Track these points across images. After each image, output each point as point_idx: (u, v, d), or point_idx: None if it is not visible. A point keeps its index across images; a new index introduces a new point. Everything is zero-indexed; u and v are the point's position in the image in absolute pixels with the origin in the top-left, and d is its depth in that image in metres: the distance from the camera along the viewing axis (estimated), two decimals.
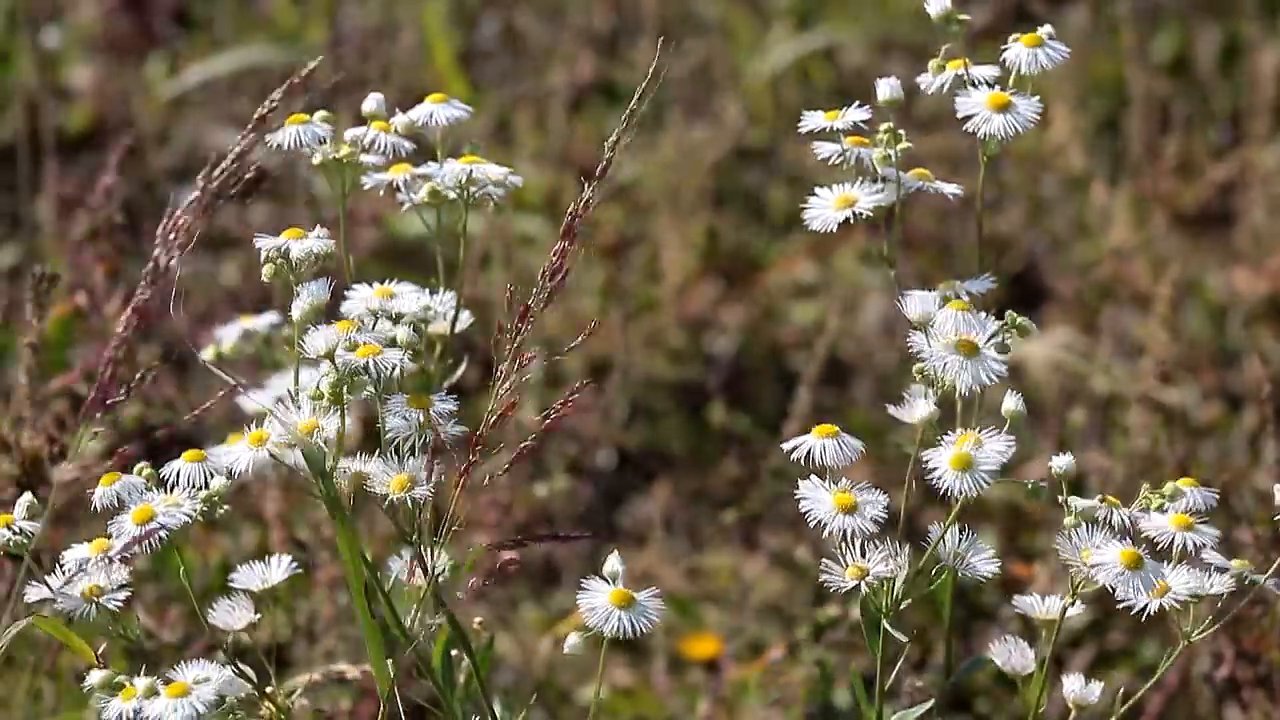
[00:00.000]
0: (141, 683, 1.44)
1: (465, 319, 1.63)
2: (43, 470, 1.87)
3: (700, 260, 3.00)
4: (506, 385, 1.48)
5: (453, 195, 1.61)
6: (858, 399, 2.78)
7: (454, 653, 1.57)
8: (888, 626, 1.47)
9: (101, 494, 1.47)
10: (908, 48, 3.34)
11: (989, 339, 1.44)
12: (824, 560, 1.45)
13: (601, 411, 2.71)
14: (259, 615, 1.53)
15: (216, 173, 1.59)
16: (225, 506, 1.48)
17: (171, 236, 1.57)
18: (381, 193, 1.62)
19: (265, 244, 1.51)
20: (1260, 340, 2.78)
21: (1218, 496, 1.48)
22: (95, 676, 1.46)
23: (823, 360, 2.50)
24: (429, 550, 1.49)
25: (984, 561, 1.47)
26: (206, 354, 1.94)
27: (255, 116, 1.60)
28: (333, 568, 2.18)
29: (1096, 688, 1.56)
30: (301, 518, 2.19)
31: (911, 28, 3.33)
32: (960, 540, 1.47)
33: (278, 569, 1.54)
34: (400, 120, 1.64)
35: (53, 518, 1.72)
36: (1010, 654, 1.58)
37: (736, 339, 2.94)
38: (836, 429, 1.45)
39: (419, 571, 1.50)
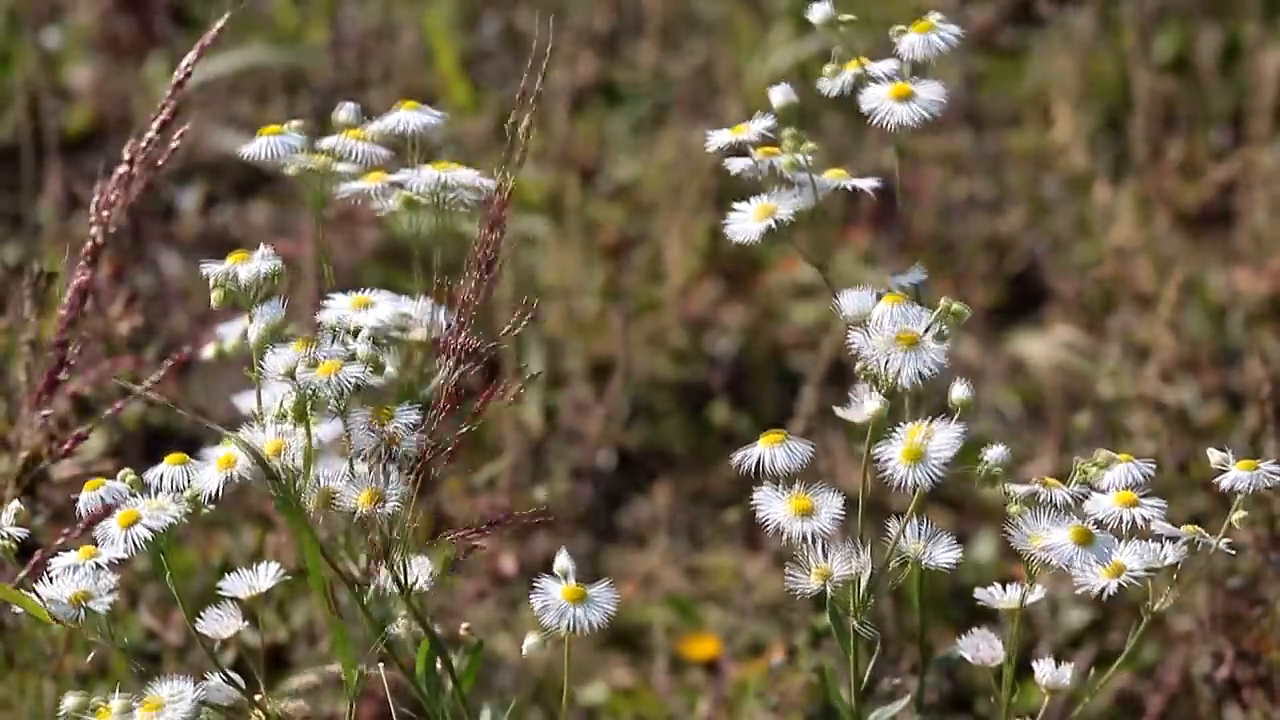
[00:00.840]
0: (117, 703, 1.44)
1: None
2: (44, 468, 1.86)
3: (702, 260, 3.00)
4: (446, 378, 1.48)
5: (424, 202, 1.61)
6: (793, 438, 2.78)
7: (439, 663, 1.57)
8: (855, 626, 1.47)
9: (86, 499, 1.48)
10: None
11: (926, 330, 1.44)
12: (787, 566, 1.45)
13: (602, 412, 2.71)
14: (246, 623, 1.53)
15: (143, 145, 1.59)
16: (209, 507, 1.48)
17: (105, 214, 1.58)
18: (357, 201, 1.62)
19: (212, 270, 1.52)
20: (1261, 340, 2.78)
21: (1155, 466, 1.48)
22: (70, 700, 1.46)
23: (828, 360, 2.50)
24: (403, 562, 1.50)
25: (943, 551, 1.47)
26: (208, 351, 1.94)
27: (184, 66, 1.59)
28: (329, 569, 2.18)
29: (1068, 670, 1.56)
30: None
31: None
32: (920, 532, 1.46)
33: (265, 576, 1.54)
34: (374, 128, 1.64)
35: (52, 515, 1.72)
36: (979, 647, 1.58)
37: (738, 339, 2.94)
38: (784, 435, 1.45)
39: (388, 580, 1.51)
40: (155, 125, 1.61)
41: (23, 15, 3.37)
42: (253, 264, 1.51)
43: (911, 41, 1.55)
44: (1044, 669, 1.56)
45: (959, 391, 1.46)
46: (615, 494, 2.72)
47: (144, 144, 1.62)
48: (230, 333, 1.92)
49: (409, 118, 1.63)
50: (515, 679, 2.32)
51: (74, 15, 3.47)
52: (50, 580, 1.46)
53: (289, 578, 1.55)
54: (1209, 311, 2.87)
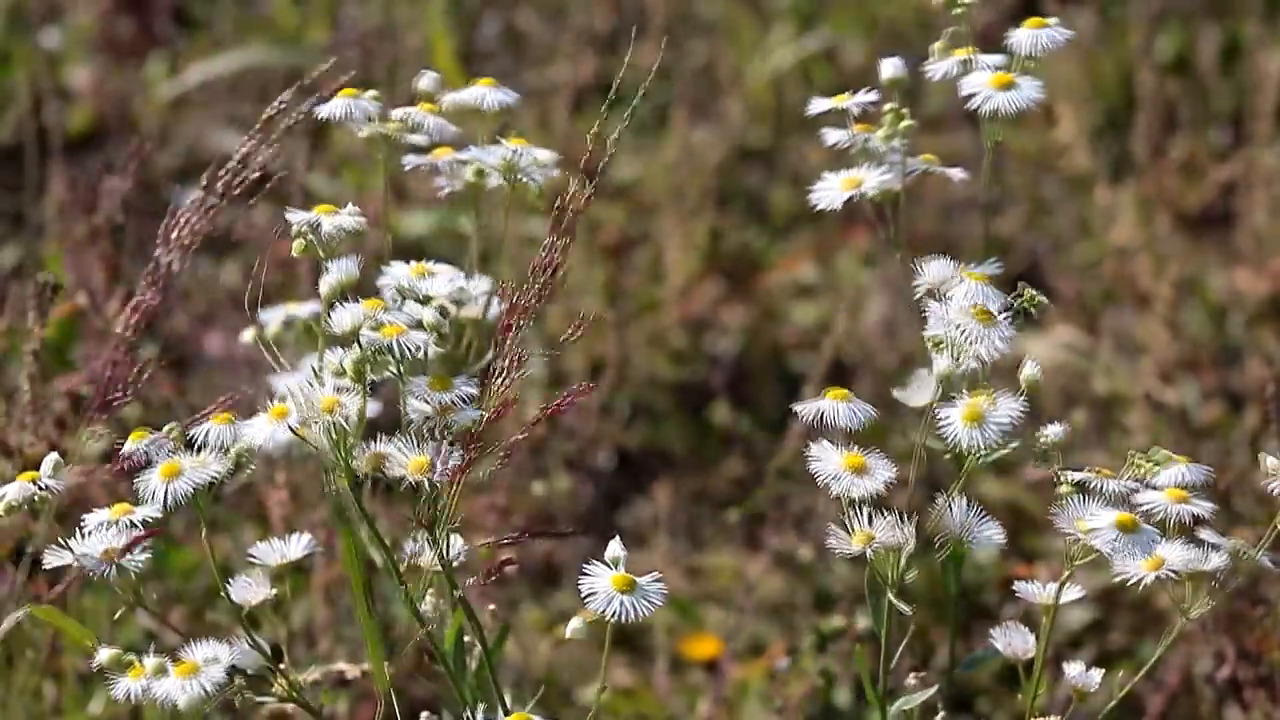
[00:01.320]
0: (151, 662, 1.44)
1: (498, 307, 1.62)
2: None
3: (703, 261, 3.00)
4: (503, 383, 1.47)
5: (495, 180, 1.61)
6: (858, 398, 2.77)
7: (466, 639, 1.57)
8: (893, 599, 1.47)
9: (130, 449, 1.46)
10: (909, 48, 3.33)
11: (1002, 311, 1.45)
12: (830, 527, 1.44)
13: (601, 411, 2.71)
14: (274, 591, 1.54)
15: (221, 174, 1.59)
16: (253, 466, 1.47)
17: (174, 237, 1.57)
18: (424, 171, 1.61)
19: (296, 218, 1.50)
20: (1262, 340, 2.78)
21: (1212, 473, 1.48)
22: (104, 654, 1.46)
23: (829, 360, 2.50)
24: (443, 535, 1.49)
25: (990, 531, 1.46)
26: (247, 335, 1.93)
27: (261, 119, 1.60)
28: (328, 571, 2.18)
29: (1098, 675, 1.56)
30: (301, 521, 2.19)
31: (913, 28, 3.33)
32: (966, 511, 1.46)
33: (296, 546, 1.55)
34: (448, 100, 1.63)
35: (54, 518, 1.72)
36: (1011, 638, 1.58)
37: (738, 339, 2.94)
38: (848, 392, 1.45)
39: (431, 556, 1.50)
40: (238, 156, 1.60)
41: (24, 15, 3.37)
42: (338, 218, 1.50)
43: (1020, 37, 1.56)
44: (1073, 670, 1.56)
45: (1029, 370, 1.46)
46: (615, 494, 2.72)
47: (223, 171, 1.61)
48: (272, 318, 1.91)
49: (486, 93, 1.63)
50: (516, 679, 2.32)
51: (74, 15, 3.47)
52: (83, 536, 1.46)
53: (319, 549, 1.55)
54: (1209, 312, 2.87)
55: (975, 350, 1.43)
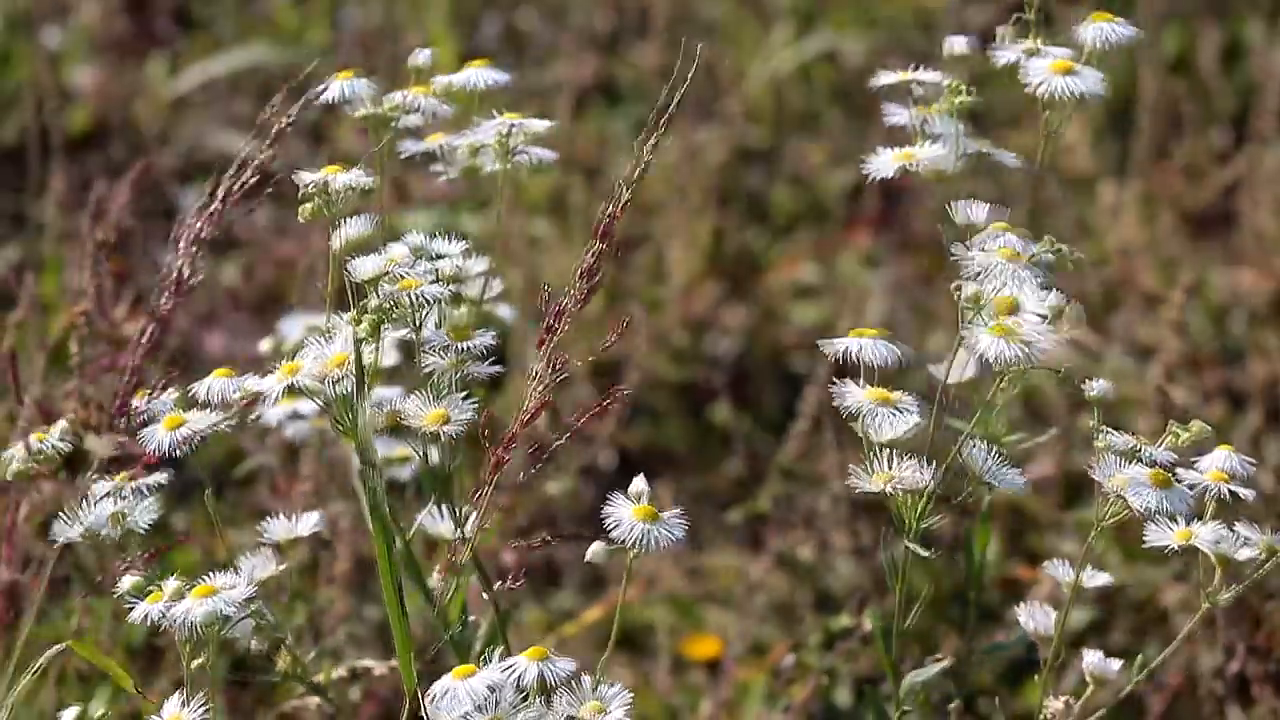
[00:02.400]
0: (170, 585, 1.44)
1: (496, 287, 1.62)
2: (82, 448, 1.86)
3: (705, 260, 3.00)
4: (540, 386, 1.48)
5: (491, 158, 1.61)
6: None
7: (471, 619, 1.57)
8: (911, 545, 1.46)
9: (140, 405, 1.48)
10: (909, 48, 3.34)
11: (1032, 255, 1.45)
12: (851, 468, 1.44)
13: (602, 410, 2.71)
14: (283, 566, 1.54)
15: (224, 178, 1.59)
16: (255, 415, 1.48)
17: (194, 249, 1.57)
18: (418, 159, 1.61)
19: (306, 178, 1.50)
20: (1264, 340, 2.78)
21: (1255, 465, 1.49)
22: (125, 581, 1.46)
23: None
24: (460, 507, 1.49)
25: (1012, 473, 1.46)
26: (265, 345, 1.93)
27: (258, 122, 1.60)
28: (336, 566, 2.18)
29: (1116, 663, 1.56)
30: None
31: (913, 28, 3.33)
32: (987, 454, 1.46)
33: (306, 523, 1.55)
34: (441, 82, 1.63)
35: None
36: (1035, 616, 1.58)
37: (739, 340, 2.94)
38: (877, 330, 1.45)
39: (448, 524, 1.50)
40: (238, 160, 1.60)
41: (25, 15, 3.37)
42: (348, 175, 1.50)
43: (1090, 30, 1.57)
44: (1091, 658, 1.57)
45: (1055, 298, 1.46)
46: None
47: (226, 176, 1.61)
48: (292, 331, 1.91)
49: (479, 74, 1.62)
50: None
51: (75, 15, 3.47)
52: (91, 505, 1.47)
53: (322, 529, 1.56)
54: (1210, 311, 2.87)
55: (1021, 291, 1.43)
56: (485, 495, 1.47)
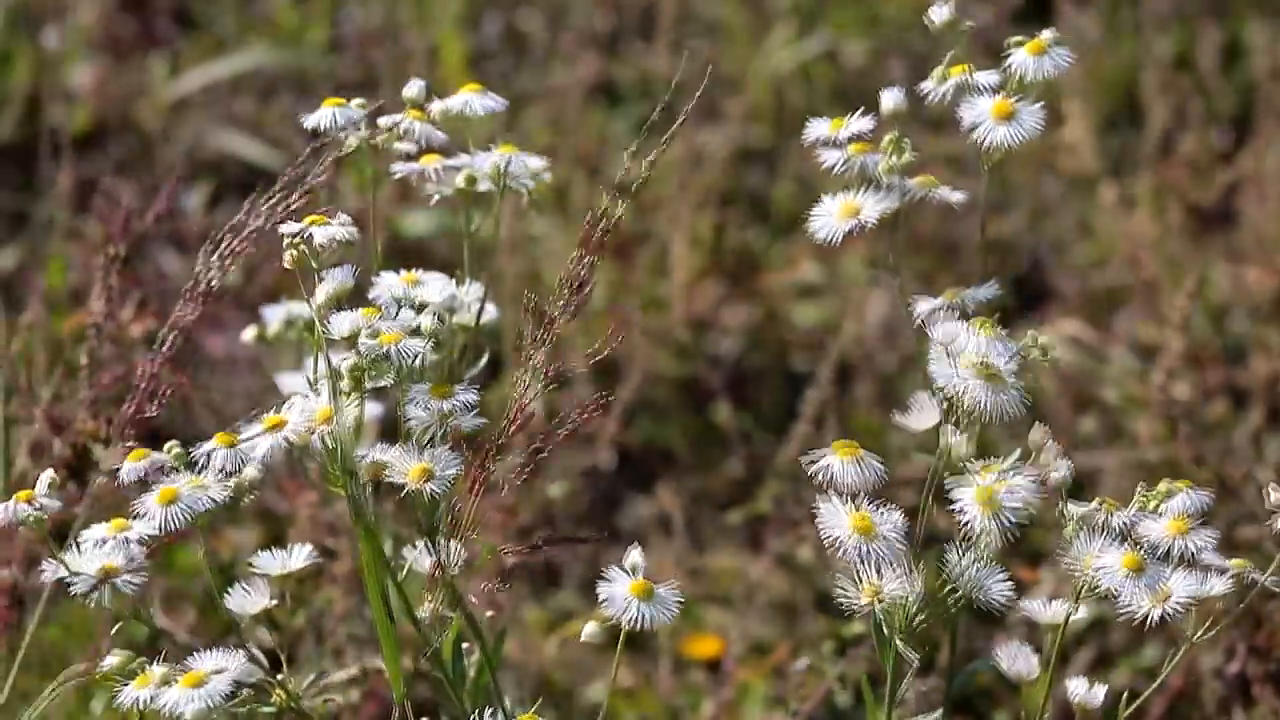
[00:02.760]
0: (158, 671, 1.44)
1: (491, 312, 1.62)
2: (90, 456, 1.86)
3: (708, 257, 3.00)
4: (526, 394, 1.47)
5: (485, 185, 1.61)
6: (859, 399, 2.78)
7: (465, 645, 1.57)
8: (900, 646, 1.46)
9: (129, 470, 1.47)
10: (909, 48, 3.34)
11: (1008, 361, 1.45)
12: (838, 576, 1.44)
13: (602, 409, 2.71)
14: (274, 601, 1.54)
15: (266, 199, 1.58)
16: (254, 493, 1.47)
17: (227, 261, 1.57)
18: (413, 181, 1.61)
19: (287, 229, 1.50)
20: (1266, 337, 2.78)
21: (1213, 497, 1.49)
22: (112, 659, 1.45)
23: (834, 362, 2.50)
24: (444, 543, 1.49)
25: (999, 585, 1.46)
26: (248, 334, 1.92)
27: (309, 150, 1.59)
28: (337, 566, 2.18)
29: (1101, 691, 1.56)
30: (324, 515, 2.19)
31: (913, 28, 3.33)
32: (975, 565, 1.46)
33: (298, 556, 1.55)
34: (436, 107, 1.63)
35: (94, 504, 1.72)
36: (1015, 659, 1.58)
37: (740, 340, 2.94)
38: (858, 450, 1.44)
39: (431, 562, 1.50)
40: (288, 177, 1.60)
41: (27, 15, 3.37)
42: (329, 228, 1.49)
43: (1023, 61, 1.53)
44: (1077, 686, 1.57)
45: (1036, 434, 1.47)
46: (616, 494, 2.72)
47: (271, 199, 1.61)
48: (274, 316, 1.90)
49: (473, 100, 1.62)
50: (517, 679, 2.32)
51: (75, 15, 3.47)
52: (79, 552, 1.46)
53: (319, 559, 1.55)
54: (1212, 309, 2.87)
55: (983, 407, 1.43)
56: (470, 509, 1.47)
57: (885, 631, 1.47)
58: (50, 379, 1.98)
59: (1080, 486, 1.51)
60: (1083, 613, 1.52)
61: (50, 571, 1.46)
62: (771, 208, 3.16)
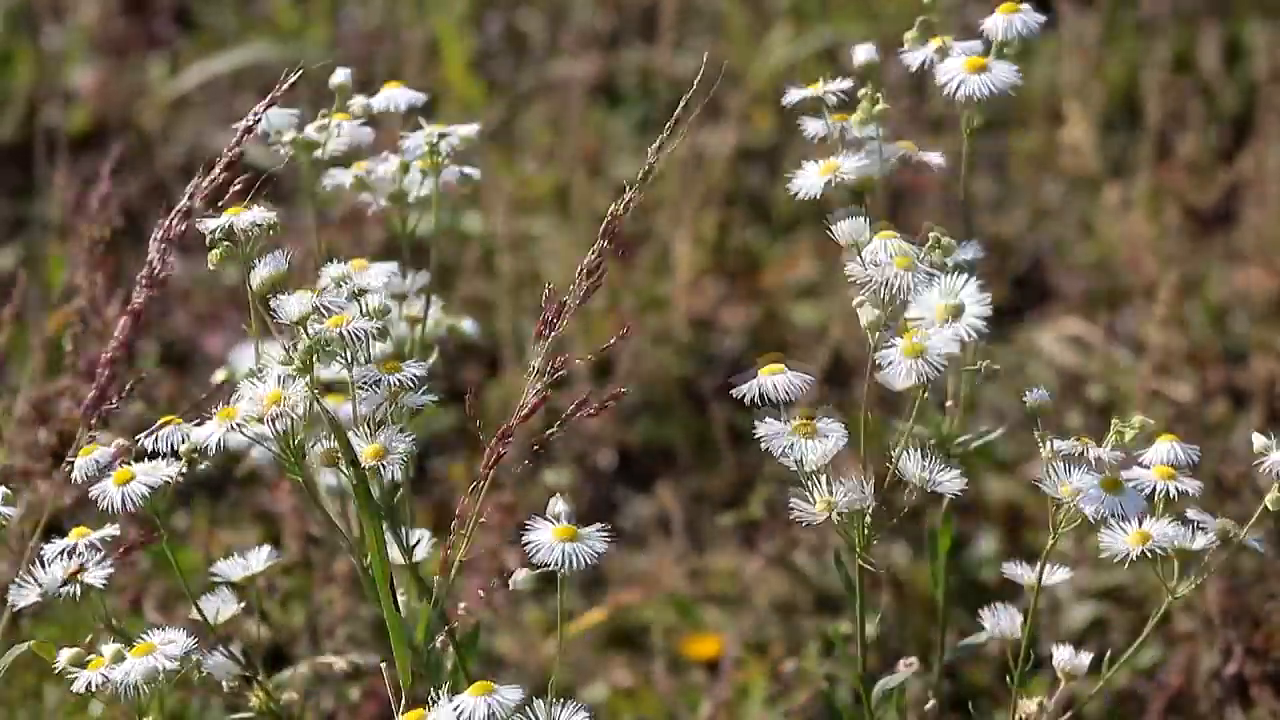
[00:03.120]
0: (108, 650, 1.44)
1: (469, 326, 1.62)
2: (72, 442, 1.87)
3: (710, 255, 3.00)
4: (539, 382, 1.48)
5: (417, 182, 1.60)
6: (859, 399, 2.77)
7: (439, 639, 1.57)
8: (862, 561, 1.47)
9: (82, 464, 1.47)
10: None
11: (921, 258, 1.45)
12: (791, 496, 1.45)
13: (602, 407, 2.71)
14: (241, 605, 1.54)
15: (208, 178, 1.58)
16: (205, 463, 1.47)
17: (166, 242, 1.57)
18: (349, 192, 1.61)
19: (208, 225, 1.49)
20: (1266, 338, 2.78)
21: (1198, 452, 1.48)
22: (63, 655, 1.46)
23: (827, 360, 2.50)
24: (407, 530, 1.50)
25: (949, 476, 1.46)
26: (218, 377, 1.93)
27: (244, 123, 1.59)
28: (332, 565, 2.18)
29: (1087, 657, 1.56)
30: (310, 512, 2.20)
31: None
32: (924, 464, 1.46)
33: (258, 558, 1.56)
34: (358, 103, 1.63)
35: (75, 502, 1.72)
36: (999, 618, 1.59)
37: (740, 339, 2.94)
38: (782, 363, 1.45)
39: (396, 552, 1.51)
40: (218, 167, 1.60)
41: (25, 15, 3.37)
42: (249, 214, 1.49)
43: (995, 21, 1.55)
44: (1062, 654, 1.57)
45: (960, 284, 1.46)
46: (615, 493, 2.71)
47: (205, 182, 1.61)
48: (241, 361, 1.90)
49: (396, 95, 1.62)
50: (515, 678, 2.32)
51: (75, 15, 3.47)
52: (44, 566, 1.47)
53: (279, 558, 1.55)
54: (1212, 309, 2.87)
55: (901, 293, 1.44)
56: (482, 490, 1.48)
57: (846, 560, 1.48)
58: (45, 375, 1.99)
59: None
60: (1063, 575, 1.52)
61: (16, 592, 1.47)
62: (772, 206, 3.16)
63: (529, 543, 1.42)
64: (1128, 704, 2.23)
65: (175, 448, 1.46)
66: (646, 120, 3.26)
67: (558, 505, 1.46)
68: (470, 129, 1.62)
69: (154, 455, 1.47)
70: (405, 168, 1.62)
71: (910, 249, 1.45)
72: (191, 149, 3.23)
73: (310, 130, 1.61)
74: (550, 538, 1.43)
